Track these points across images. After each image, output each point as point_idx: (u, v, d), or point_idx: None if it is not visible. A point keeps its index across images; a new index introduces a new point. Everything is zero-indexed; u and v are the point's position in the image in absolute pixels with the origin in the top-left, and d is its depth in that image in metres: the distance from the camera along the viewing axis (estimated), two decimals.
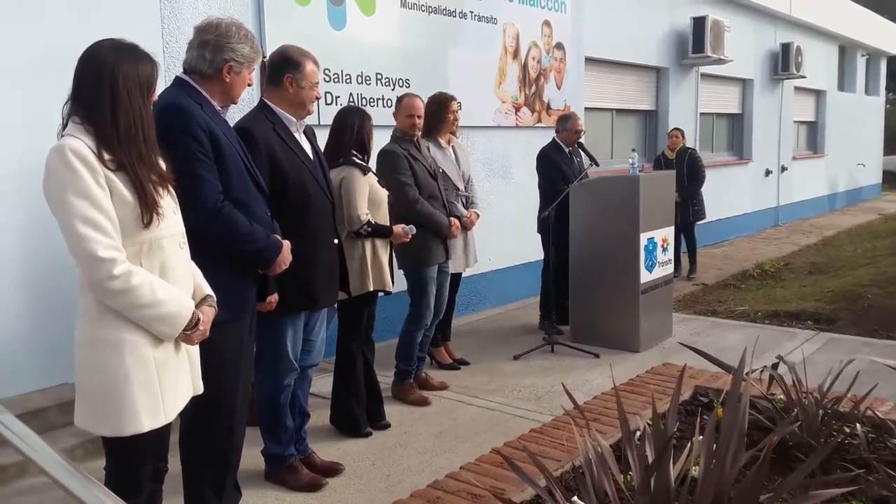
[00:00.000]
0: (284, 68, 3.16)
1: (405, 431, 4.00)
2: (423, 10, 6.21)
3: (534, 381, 4.81)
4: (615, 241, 5.56)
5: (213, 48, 2.62)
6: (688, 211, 8.23)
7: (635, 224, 5.48)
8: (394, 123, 4.55)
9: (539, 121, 7.64)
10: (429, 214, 4.37)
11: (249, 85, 2.77)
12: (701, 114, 10.95)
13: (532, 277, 6.36)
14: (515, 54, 7.34)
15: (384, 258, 3.98)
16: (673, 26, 10.07)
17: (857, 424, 2.77)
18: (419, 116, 4.44)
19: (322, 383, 4.62)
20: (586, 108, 8.55)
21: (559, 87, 7.96)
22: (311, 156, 3.26)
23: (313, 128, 3.47)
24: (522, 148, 7.13)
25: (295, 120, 3.21)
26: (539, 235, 6.07)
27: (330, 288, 3.33)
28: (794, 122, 14.38)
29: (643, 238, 5.55)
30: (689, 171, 8.19)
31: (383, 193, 4.00)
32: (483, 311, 6.85)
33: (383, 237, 3.95)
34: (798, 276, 8.39)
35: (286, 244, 2.85)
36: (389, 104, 5.82)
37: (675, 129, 8.64)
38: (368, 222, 3.81)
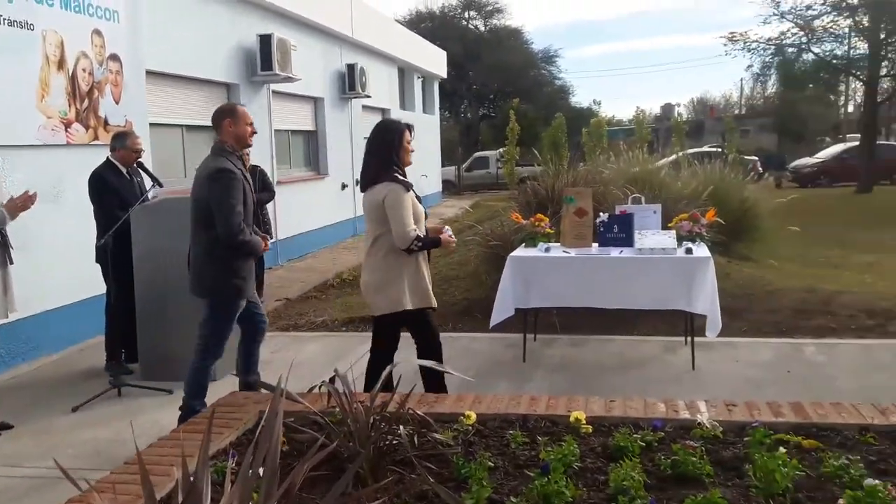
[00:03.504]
0: None
1: None
2: None
3: (95, 433, 4.27)
4: (184, 266, 5.26)
5: None
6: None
7: None
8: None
9: (96, 138, 6.94)
10: (250, 244, 4.09)
11: None
12: (276, 130, 11.14)
13: (96, 314, 5.71)
14: (61, 65, 6.55)
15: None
16: (240, 42, 10.05)
17: (401, 426, 2.94)
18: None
19: None
20: (152, 124, 8.06)
21: (117, 102, 7.33)
22: None
23: None
24: (77, 168, 6.35)
25: None
26: (99, 266, 5.47)
27: None
28: (365, 138, 15.51)
29: None
30: (261, 189, 8.17)
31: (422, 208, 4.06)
32: (37, 360, 5.94)
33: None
34: None
35: None
36: None
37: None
38: (418, 237, 3.83)
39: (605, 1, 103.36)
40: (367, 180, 4.04)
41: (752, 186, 9.34)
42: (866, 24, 21.46)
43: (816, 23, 22.44)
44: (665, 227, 5.52)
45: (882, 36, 21.25)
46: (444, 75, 23.02)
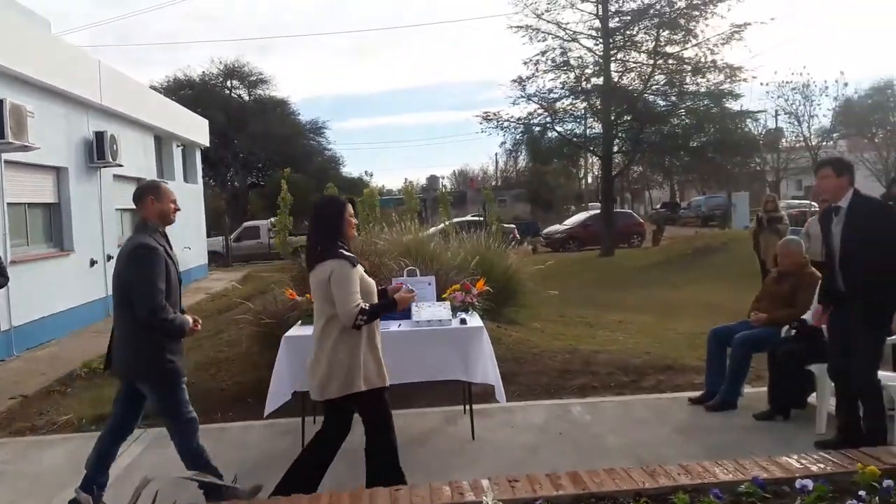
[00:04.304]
0: None
1: None
2: None
3: None
4: None
5: None
6: None
7: None
8: None
9: None
10: (174, 322, 3.96)
11: None
12: (10, 204, 9.86)
13: None
14: None
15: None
16: None
17: None
18: None
19: None
20: None
21: None
22: None
23: None
24: None
25: None
26: None
27: None
28: (118, 209, 14.32)
29: None
30: None
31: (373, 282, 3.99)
32: None
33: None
34: None
35: None
36: None
37: None
38: (362, 311, 3.72)
39: (367, 77, 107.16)
40: (313, 259, 3.94)
41: (513, 253, 9.88)
42: (600, 107, 24.21)
43: (558, 105, 24.94)
44: (440, 298, 5.57)
45: (613, 117, 24.10)
46: (207, 143, 22.15)
